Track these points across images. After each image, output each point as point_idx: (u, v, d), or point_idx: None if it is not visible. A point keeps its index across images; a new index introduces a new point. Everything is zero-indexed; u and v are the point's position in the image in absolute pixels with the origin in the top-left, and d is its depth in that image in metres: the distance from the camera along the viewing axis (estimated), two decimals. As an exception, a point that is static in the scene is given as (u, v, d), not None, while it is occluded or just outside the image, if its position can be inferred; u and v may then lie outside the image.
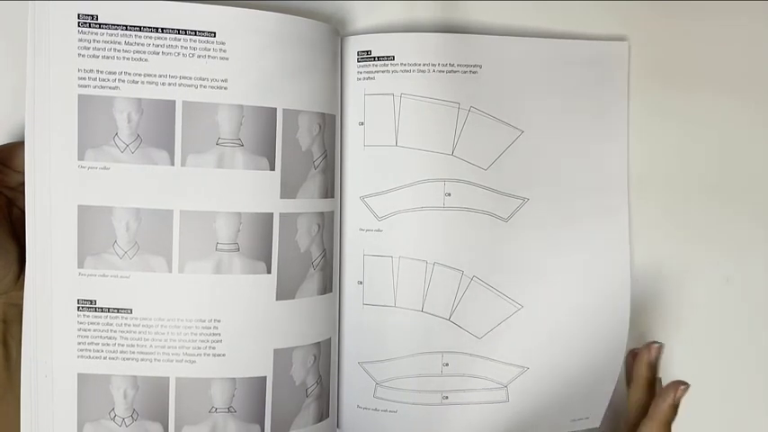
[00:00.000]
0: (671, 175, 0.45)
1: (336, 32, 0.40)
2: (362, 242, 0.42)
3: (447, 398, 0.42)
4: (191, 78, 0.36)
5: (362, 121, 0.41)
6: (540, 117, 0.42)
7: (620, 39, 0.43)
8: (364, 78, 0.41)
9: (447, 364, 0.42)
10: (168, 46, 0.36)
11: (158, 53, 0.36)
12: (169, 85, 0.36)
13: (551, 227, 0.43)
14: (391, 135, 0.41)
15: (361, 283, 0.42)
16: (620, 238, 0.43)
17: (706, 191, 0.45)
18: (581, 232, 0.43)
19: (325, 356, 0.40)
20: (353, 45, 0.41)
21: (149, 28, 0.35)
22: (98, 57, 0.35)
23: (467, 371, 0.42)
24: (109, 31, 0.35)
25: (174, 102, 0.36)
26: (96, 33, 0.35)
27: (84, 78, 0.35)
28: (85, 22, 0.35)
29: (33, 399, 0.36)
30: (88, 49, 0.35)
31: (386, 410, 0.42)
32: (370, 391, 0.42)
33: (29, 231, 0.35)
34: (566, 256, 0.43)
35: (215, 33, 0.36)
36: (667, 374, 0.45)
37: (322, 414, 0.40)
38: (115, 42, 0.35)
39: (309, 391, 0.39)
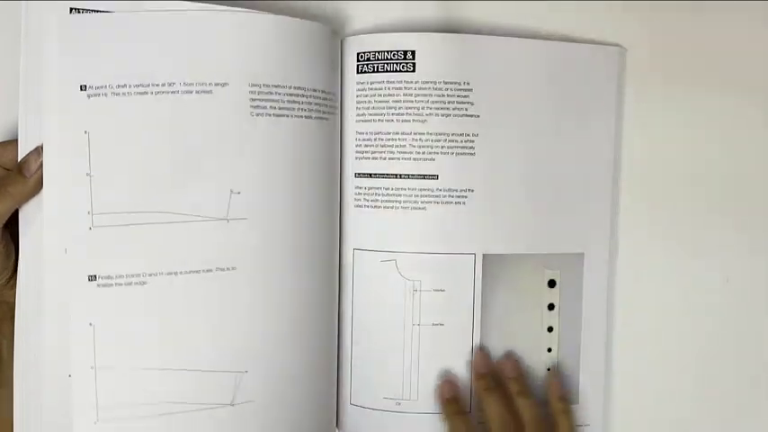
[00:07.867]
0: (671, 175, 0.45)
1: (336, 34, 0.40)
2: None
3: None
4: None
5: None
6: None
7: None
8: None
9: None
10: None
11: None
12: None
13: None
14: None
15: None
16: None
17: (707, 190, 0.45)
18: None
19: None
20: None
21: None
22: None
23: None
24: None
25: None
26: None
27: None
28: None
29: (27, 398, 0.35)
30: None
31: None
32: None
33: (22, 231, 0.35)
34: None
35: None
36: (667, 374, 0.45)
37: None
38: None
39: None
